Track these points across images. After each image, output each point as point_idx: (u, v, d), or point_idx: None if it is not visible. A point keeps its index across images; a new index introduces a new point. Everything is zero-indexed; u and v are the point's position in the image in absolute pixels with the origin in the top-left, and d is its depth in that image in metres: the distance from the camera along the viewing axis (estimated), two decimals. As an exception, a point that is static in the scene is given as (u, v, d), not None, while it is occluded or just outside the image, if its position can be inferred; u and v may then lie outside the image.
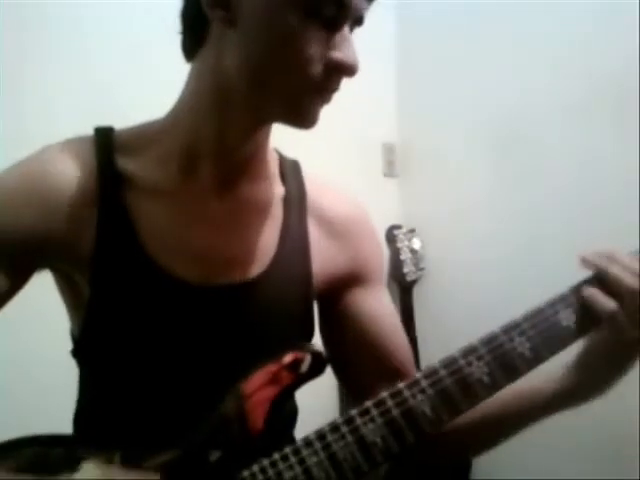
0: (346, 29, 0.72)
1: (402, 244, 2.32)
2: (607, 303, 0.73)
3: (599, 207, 1.86)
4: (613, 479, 1.74)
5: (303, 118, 0.75)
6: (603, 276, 0.75)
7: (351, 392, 0.91)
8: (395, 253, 2.32)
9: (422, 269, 2.34)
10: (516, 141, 2.11)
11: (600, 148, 1.88)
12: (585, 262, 0.77)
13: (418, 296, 2.31)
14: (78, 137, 0.81)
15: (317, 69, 0.71)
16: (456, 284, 2.28)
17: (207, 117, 0.78)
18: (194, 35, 0.77)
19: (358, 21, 0.74)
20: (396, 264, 2.31)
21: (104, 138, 0.80)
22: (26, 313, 1.30)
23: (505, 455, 2.09)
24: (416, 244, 2.34)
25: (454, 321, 2.20)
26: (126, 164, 0.79)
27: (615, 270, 0.74)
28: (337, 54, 0.71)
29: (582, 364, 0.79)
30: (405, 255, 2.31)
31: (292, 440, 0.71)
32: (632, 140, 1.78)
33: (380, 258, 0.94)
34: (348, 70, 0.72)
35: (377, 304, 0.90)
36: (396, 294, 2.33)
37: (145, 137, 0.82)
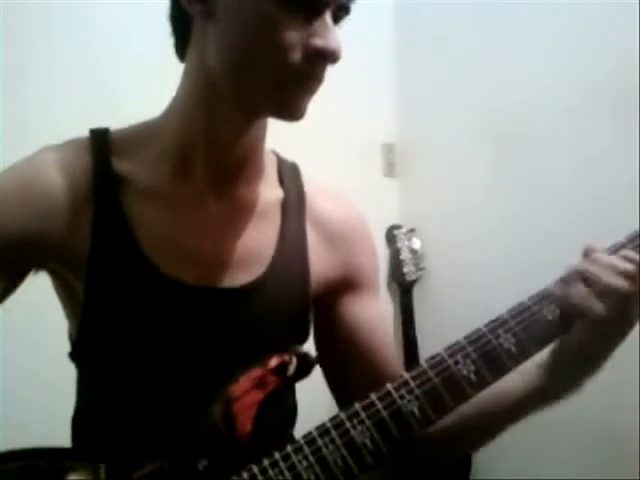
0: (327, 16, 0.71)
1: (402, 244, 2.32)
2: (597, 306, 0.71)
3: (599, 207, 1.86)
4: (613, 479, 1.74)
5: (289, 108, 0.74)
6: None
7: (337, 398, 0.89)
8: (395, 253, 2.32)
9: (422, 269, 2.34)
10: (516, 141, 2.11)
11: (600, 148, 1.88)
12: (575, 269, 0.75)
13: (418, 296, 2.31)
14: (74, 139, 0.81)
15: (296, 56, 0.70)
16: (456, 284, 2.28)
17: (197, 115, 0.77)
18: (180, 34, 0.77)
19: (344, 9, 0.73)
20: (396, 264, 2.31)
21: (100, 139, 0.80)
22: (28, 313, 1.30)
23: (505, 455, 2.10)
24: (416, 244, 2.34)
25: (454, 321, 2.19)
26: (122, 165, 0.79)
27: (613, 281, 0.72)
28: (317, 40, 0.70)
29: (553, 364, 0.78)
30: (405, 255, 2.31)
31: (292, 439, 0.71)
32: (632, 140, 1.78)
33: (375, 266, 0.93)
34: (329, 56, 0.71)
35: (369, 314, 0.89)
36: (396, 294, 2.33)
37: (140, 138, 0.81)
